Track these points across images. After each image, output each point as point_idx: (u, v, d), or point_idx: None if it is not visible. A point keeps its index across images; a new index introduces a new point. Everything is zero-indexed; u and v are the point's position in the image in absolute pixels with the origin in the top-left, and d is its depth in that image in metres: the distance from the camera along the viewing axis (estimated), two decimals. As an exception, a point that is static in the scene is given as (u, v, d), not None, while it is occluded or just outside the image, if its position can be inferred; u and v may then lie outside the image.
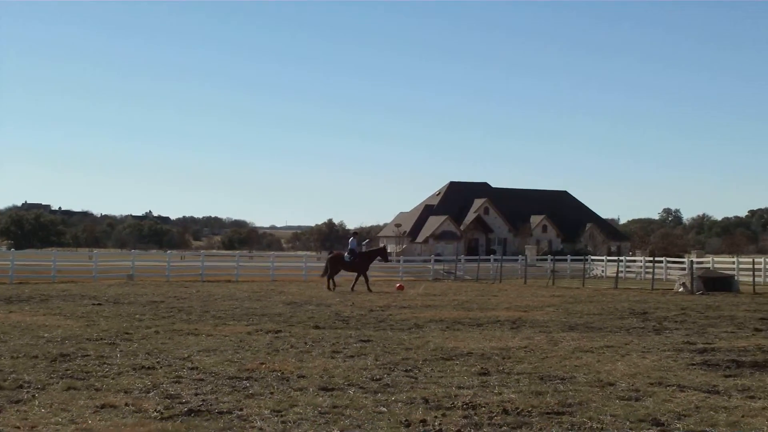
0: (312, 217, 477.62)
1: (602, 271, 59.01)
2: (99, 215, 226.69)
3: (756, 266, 40.67)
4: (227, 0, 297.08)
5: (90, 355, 14.67)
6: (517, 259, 63.30)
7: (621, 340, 17.80)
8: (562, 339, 17.88)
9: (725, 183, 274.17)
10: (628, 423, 9.50)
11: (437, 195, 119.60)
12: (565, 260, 62.89)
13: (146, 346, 15.93)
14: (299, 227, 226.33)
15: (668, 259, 56.51)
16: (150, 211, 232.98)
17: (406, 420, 9.56)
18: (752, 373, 13.08)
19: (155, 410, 10.00)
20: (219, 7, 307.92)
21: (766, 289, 39.09)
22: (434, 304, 28.62)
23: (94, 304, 26.60)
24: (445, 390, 11.42)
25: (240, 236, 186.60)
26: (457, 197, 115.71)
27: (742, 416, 9.85)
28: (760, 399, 10.95)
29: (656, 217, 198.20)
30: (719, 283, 37.02)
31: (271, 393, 11.16)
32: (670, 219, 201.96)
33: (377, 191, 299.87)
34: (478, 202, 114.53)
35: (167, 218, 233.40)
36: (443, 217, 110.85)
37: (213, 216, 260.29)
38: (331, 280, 37.71)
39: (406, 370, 13.17)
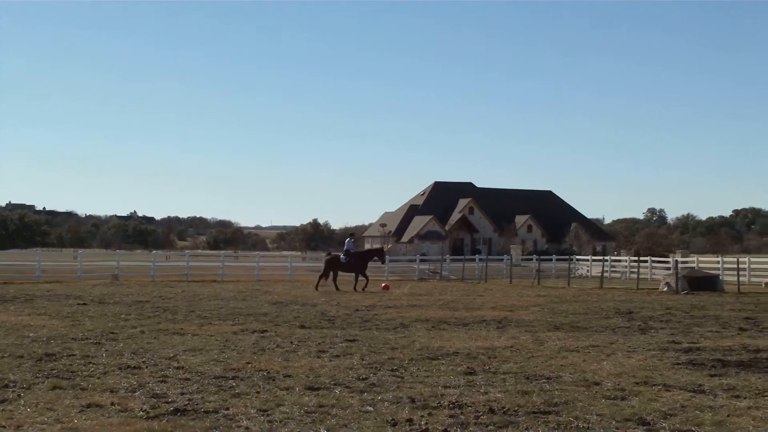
0: (297, 217, 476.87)
1: (587, 270, 59.09)
2: (84, 215, 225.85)
3: (740, 266, 40.77)
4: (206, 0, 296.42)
5: (75, 354, 14.62)
6: (502, 258, 63.49)
7: (606, 339, 17.83)
8: (548, 338, 17.91)
9: (710, 183, 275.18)
10: (614, 422, 9.52)
11: (422, 195, 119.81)
12: (551, 260, 63.03)
13: (132, 346, 15.89)
14: (284, 227, 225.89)
15: (653, 258, 56.65)
16: (135, 212, 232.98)
17: (393, 419, 9.56)
18: (737, 373, 13.12)
19: (141, 410, 9.97)
20: (205, 7, 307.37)
21: (751, 288, 39.21)
22: (420, 303, 28.63)
23: (79, 304, 26.53)
24: (431, 389, 11.42)
25: (225, 236, 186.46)
26: (442, 197, 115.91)
27: (728, 415, 9.88)
28: (745, 398, 10.98)
29: (641, 216, 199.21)
30: (704, 283, 37.11)
31: (257, 392, 11.15)
32: (654, 219, 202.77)
33: (362, 191, 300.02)
34: (463, 202, 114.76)
35: (152, 218, 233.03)
36: (428, 217, 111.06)
37: (198, 216, 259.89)
38: (332, 282, 37.61)
39: (392, 370, 13.17)
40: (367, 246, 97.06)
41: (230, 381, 12.00)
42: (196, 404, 10.31)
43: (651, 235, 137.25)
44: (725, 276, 41.61)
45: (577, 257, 66.78)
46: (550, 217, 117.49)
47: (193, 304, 27.32)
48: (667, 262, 51.83)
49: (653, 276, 50.10)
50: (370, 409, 10.13)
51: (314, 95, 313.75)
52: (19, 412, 9.80)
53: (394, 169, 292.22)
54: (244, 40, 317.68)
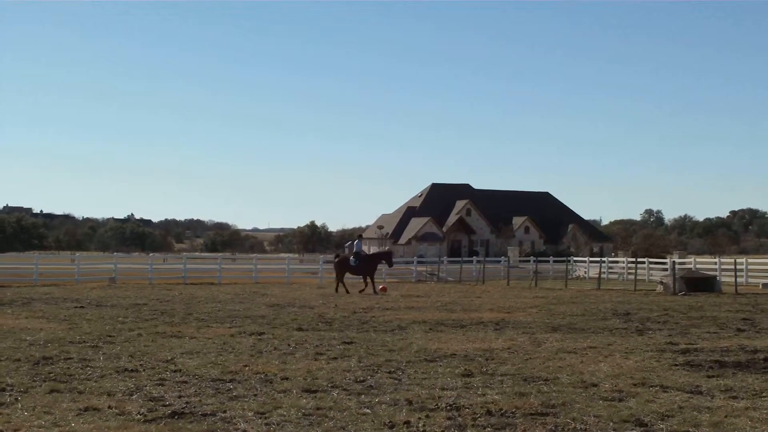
0: (294, 220, 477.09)
1: (585, 272, 59.14)
2: (81, 218, 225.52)
3: (738, 267, 40.82)
4: (209, 1, 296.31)
5: (73, 358, 14.62)
6: (499, 260, 63.39)
7: (604, 340, 17.85)
8: (546, 340, 17.92)
9: (707, 184, 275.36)
10: (611, 423, 9.52)
11: (419, 197, 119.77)
12: (548, 261, 62.96)
13: (129, 349, 15.89)
14: (282, 229, 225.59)
15: (650, 260, 56.67)
16: (132, 214, 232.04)
17: (390, 421, 9.56)
18: (735, 374, 13.13)
19: (138, 413, 9.97)
20: (205, 6, 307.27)
21: (748, 289, 39.26)
22: (417, 305, 28.63)
23: (76, 307, 26.51)
24: (428, 391, 11.42)
25: (222, 239, 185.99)
26: (439, 199, 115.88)
27: (725, 416, 9.88)
28: (742, 399, 11.00)
29: (638, 218, 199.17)
30: (701, 284, 37.16)
31: (255, 395, 11.15)
32: (652, 220, 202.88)
33: (359, 193, 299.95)
34: (460, 204, 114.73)
35: (149, 221, 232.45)
36: (425, 219, 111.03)
37: (195, 218, 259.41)
38: (341, 284, 37.58)
39: (389, 372, 13.17)
40: (365, 249, 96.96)
41: (228, 384, 12.00)
42: (194, 407, 10.31)
43: (648, 236, 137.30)
44: (722, 277, 41.61)
45: (575, 258, 66.80)
46: (547, 219, 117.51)
47: (190, 306, 27.31)
48: (664, 263, 51.82)
49: (651, 277, 50.14)
50: (368, 411, 10.14)
51: (311, 97, 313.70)
52: (16, 416, 9.79)
53: (391, 171, 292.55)
54: (243, 41, 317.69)
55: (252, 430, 9.21)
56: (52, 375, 12.69)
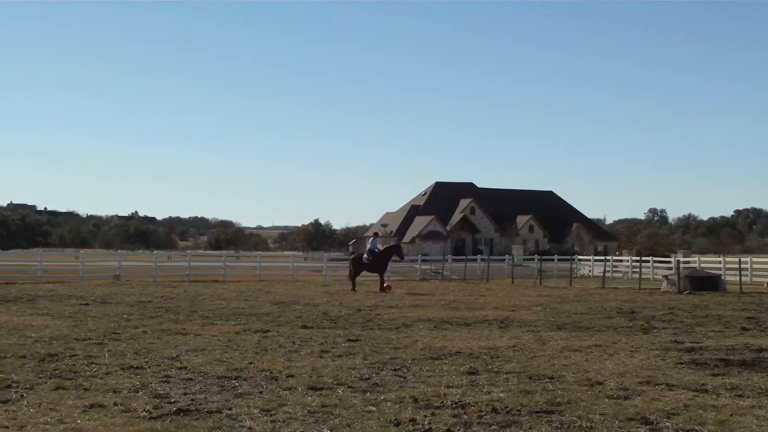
0: (298, 218, 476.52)
1: (589, 270, 59.10)
2: (85, 215, 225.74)
3: (742, 266, 40.78)
4: (213, 0, 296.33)
5: (78, 354, 14.63)
6: (504, 259, 63.48)
7: (609, 339, 17.83)
8: (551, 338, 17.91)
9: (711, 183, 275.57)
10: (617, 422, 9.51)
11: (423, 195, 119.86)
12: (552, 260, 63.01)
13: (134, 346, 15.89)
14: (286, 227, 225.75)
15: (655, 258, 56.62)
16: (136, 212, 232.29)
17: (396, 419, 9.55)
18: (740, 372, 13.11)
19: (144, 410, 9.97)
20: (206, 6, 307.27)
21: (753, 288, 39.22)
22: (422, 303, 28.62)
23: (81, 304, 26.54)
24: (434, 389, 11.41)
25: (226, 236, 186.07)
26: (443, 197, 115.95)
27: (731, 415, 9.87)
28: (748, 398, 10.98)
29: (642, 217, 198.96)
30: (706, 283, 37.13)
31: (260, 392, 11.14)
32: (656, 219, 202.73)
33: (363, 191, 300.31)
34: (464, 202, 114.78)
35: (153, 218, 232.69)
36: (429, 217, 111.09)
37: (199, 216, 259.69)
38: (352, 281, 37.58)
39: (394, 370, 13.16)
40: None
41: (233, 381, 11.99)
42: (199, 404, 10.30)
43: (652, 235, 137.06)
44: (727, 276, 41.59)
45: (579, 257, 66.73)
46: (551, 218, 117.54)
47: (195, 304, 27.33)
48: (668, 262, 51.76)
49: (655, 276, 50.09)
50: (373, 409, 10.13)
51: (316, 95, 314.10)
52: (22, 413, 9.80)
53: (395, 170, 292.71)
54: (245, 39, 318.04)
55: (257, 428, 9.20)
56: (57, 372, 12.70)
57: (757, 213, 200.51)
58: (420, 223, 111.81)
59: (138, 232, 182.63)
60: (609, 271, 52.46)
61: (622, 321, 22.24)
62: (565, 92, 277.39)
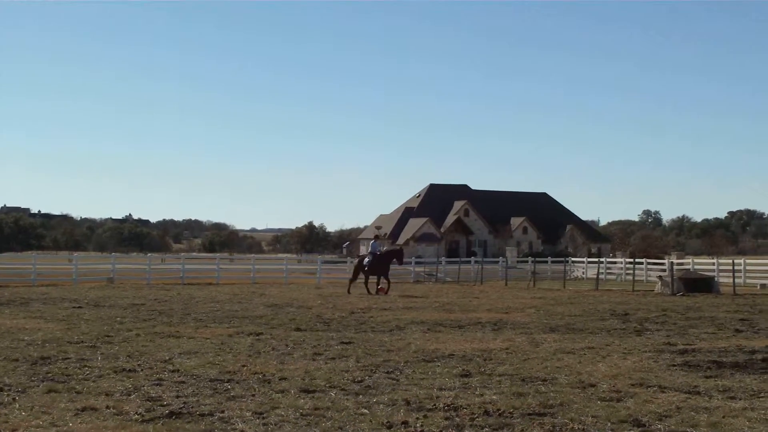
0: (292, 220, 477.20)
1: (583, 272, 59.17)
2: (79, 218, 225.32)
3: (736, 267, 40.84)
4: (205, 2, 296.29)
5: (71, 357, 14.61)
6: (497, 260, 63.47)
7: (602, 341, 17.85)
8: (544, 340, 17.92)
9: (705, 185, 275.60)
10: (609, 424, 9.53)
11: (417, 197, 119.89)
12: (546, 262, 63.08)
13: (127, 349, 15.88)
14: (280, 230, 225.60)
15: (648, 260, 56.69)
16: (130, 214, 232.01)
17: (388, 422, 9.56)
18: (733, 374, 13.14)
19: (136, 413, 9.97)
20: (204, 8, 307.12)
21: (746, 290, 39.27)
22: (415, 306, 28.61)
23: (74, 307, 26.49)
24: (426, 391, 11.42)
25: (220, 239, 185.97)
26: (437, 199, 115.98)
27: (723, 417, 9.89)
28: (740, 400, 11.00)
29: (636, 218, 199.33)
30: (699, 285, 37.17)
31: (253, 395, 11.15)
32: (650, 220, 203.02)
33: (357, 194, 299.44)
34: (458, 204, 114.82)
35: (147, 221, 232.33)
36: (423, 219, 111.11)
37: (193, 219, 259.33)
38: (359, 284, 37.56)
39: (387, 372, 13.17)
40: (363, 249, 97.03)
41: (226, 384, 11.99)
42: (192, 407, 10.30)
43: (646, 236, 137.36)
44: (721, 278, 41.64)
45: (573, 259, 66.82)
46: (545, 219, 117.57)
47: (188, 306, 27.30)
48: (662, 264, 51.83)
49: (649, 278, 50.14)
50: (366, 411, 10.13)
51: (309, 98, 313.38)
52: (14, 416, 9.79)
53: (389, 172, 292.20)
54: (241, 42, 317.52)
55: (250, 430, 9.20)
56: (49, 375, 12.68)
57: (750, 214, 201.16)
58: (414, 225, 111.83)
59: (132, 235, 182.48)
60: (602, 272, 52.50)
61: (615, 323, 22.27)
62: (559, 94, 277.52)
